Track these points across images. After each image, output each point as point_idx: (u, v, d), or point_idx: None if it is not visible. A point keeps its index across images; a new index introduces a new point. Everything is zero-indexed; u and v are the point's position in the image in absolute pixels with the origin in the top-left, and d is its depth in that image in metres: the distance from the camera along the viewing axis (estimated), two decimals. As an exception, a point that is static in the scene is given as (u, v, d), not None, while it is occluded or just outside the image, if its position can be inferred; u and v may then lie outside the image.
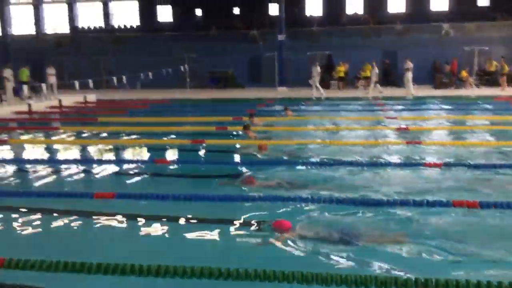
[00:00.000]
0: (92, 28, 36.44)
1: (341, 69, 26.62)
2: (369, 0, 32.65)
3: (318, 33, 30.65)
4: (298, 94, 23.96)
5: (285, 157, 8.99)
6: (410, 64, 22.37)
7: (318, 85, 22.89)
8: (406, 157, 8.96)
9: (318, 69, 23.44)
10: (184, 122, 14.94)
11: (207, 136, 11.55)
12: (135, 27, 35.76)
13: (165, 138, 11.81)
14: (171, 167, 8.78)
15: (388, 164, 8.36)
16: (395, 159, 8.91)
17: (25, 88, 21.67)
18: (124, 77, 23.84)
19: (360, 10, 33.17)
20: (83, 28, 36.63)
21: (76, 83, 19.12)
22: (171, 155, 10.09)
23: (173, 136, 12.03)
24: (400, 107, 17.81)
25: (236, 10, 34.05)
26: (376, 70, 23.14)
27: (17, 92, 21.63)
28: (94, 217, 5.93)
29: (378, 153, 9.46)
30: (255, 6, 32.85)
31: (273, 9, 31.87)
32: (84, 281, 4.11)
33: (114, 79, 23.59)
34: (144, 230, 5.54)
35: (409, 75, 22.24)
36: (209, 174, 8.06)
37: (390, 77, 27.35)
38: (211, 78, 29.98)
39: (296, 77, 26.49)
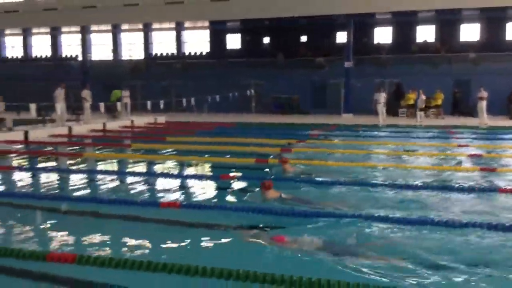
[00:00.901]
0: (165, 54, 38.17)
1: (411, 97, 25.92)
2: (441, 28, 31.79)
3: (387, 60, 30.23)
4: (364, 121, 23.59)
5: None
6: (484, 93, 21.46)
7: (381, 110, 22.83)
8: (479, 183, 8.47)
9: (384, 95, 23.25)
10: (248, 143, 15.11)
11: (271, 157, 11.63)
12: (204, 53, 37.03)
13: (229, 157, 12.01)
14: (234, 182, 8.85)
15: (460, 189, 7.94)
16: (467, 183, 8.45)
17: (119, 105, 23.38)
18: (192, 100, 24.65)
19: (431, 38, 32.37)
20: (156, 54, 38.46)
21: (148, 104, 19.96)
22: (236, 172, 10.19)
23: (238, 155, 12.22)
24: (473, 136, 17.02)
25: (304, 38, 34.36)
26: (423, 97, 23.06)
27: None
28: (160, 224, 6.07)
29: (448, 177, 9.04)
30: (322, 34, 33.01)
31: (341, 37, 31.86)
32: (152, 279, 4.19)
33: (183, 102, 24.47)
34: (205, 238, 5.57)
35: (483, 104, 21.31)
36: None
37: (460, 106, 26.34)
38: (276, 104, 30.27)
39: (361, 104, 26.12)
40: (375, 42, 33.32)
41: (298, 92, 30.04)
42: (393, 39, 32.83)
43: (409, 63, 29.01)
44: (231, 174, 9.27)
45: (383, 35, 33.36)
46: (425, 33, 32.48)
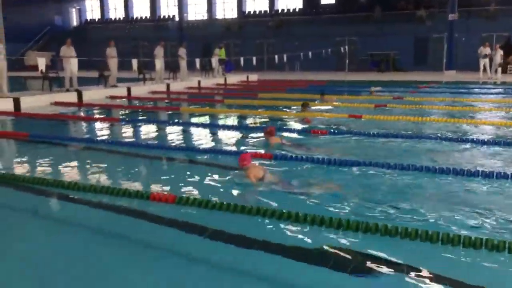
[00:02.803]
0: (258, 12, 38.05)
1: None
2: None
3: (496, 12, 27.54)
4: (468, 77, 21.93)
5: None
6: None
7: (488, 67, 21.00)
8: None
9: (491, 50, 21.38)
10: (342, 100, 14.81)
11: (366, 112, 11.35)
12: (298, 10, 36.33)
13: (323, 112, 11.85)
14: (325, 137, 8.72)
15: None
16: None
17: (213, 62, 24.07)
18: (284, 58, 24.47)
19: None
20: (249, 12, 38.47)
21: (241, 60, 20.15)
22: (327, 127, 10.04)
23: (331, 111, 12.04)
24: None
25: (403, -10, 32.31)
26: (501, 52, 20.82)
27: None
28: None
29: None
30: (423, -15, 30.80)
31: (444, -13, 29.45)
32: (245, 222, 4.29)
33: (276, 59, 24.38)
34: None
35: None
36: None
37: None
38: (372, 61, 29.11)
39: (466, 60, 24.23)
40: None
41: (397, 49, 28.59)
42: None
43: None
44: (322, 129, 9.14)
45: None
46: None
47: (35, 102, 13.47)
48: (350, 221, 3.97)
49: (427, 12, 29.02)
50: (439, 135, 8.40)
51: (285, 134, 8.84)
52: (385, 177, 5.74)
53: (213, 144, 8.28)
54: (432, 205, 4.67)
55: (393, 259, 3.47)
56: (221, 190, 5.36)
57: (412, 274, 3.25)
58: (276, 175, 5.55)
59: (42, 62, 14.85)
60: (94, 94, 16.01)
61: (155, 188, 5.40)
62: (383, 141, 8.14)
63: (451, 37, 25.82)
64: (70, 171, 6.50)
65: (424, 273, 3.26)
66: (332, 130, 9.02)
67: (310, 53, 24.94)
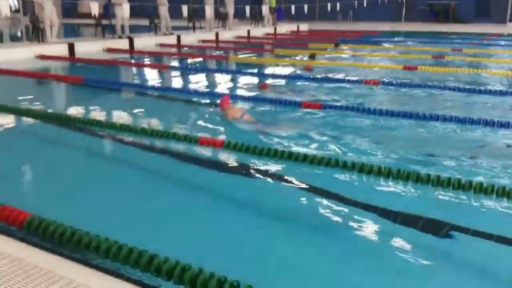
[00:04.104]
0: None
1: None
2: None
3: None
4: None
5: None
6: None
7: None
8: None
9: None
10: (396, 50, 14.26)
11: (422, 64, 10.91)
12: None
13: (376, 63, 11.49)
14: (377, 88, 8.45)
15: None
16: None
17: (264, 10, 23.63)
18: (338, 5, 23.60)
19: None
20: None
21: (292, 9, 19.60)
22: (381, 78, 9.73)
23: (385, 62, 11.65)
24: None
25: None
26: None
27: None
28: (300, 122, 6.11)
29: None
30: None
31: None
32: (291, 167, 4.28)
33: (328, 8, 23.56)
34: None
35: None
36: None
37: None
38: (430, 11, 27.59)
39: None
40: None
41: (457, -2, 26.89)
42: None
43: None
44: (373, 79, 8.85)
45: None
46: None
47: (89, 48, 13.75)
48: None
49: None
50: (498, 89, 7.97)
51: (339, 84, 8.68)
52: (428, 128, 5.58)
53: (259, 93, 8.21)
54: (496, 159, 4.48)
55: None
56: (270, 136, 5.35)
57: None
58: (254, 117, 5.86)
59: (95, 8, 15.03)
60: (145, 42, 16.15)
61: (203, 132, 5.45)
62: (437, 93, 7.82)
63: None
64: (121, 114, 6.65)
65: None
66: (385, 81, 8.72)
67: (364, 2, 23.91)
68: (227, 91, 8.25)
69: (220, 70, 11.09)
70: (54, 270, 2.22)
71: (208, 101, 7.39)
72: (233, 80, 9.91)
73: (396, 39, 18.98)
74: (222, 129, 5.71)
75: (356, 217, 3.30)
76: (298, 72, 10.22)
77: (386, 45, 16.40)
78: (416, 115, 5.99)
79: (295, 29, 24.99)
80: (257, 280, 2.22)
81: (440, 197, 3.61)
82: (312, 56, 11.96)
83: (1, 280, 2.13)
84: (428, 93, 7.87)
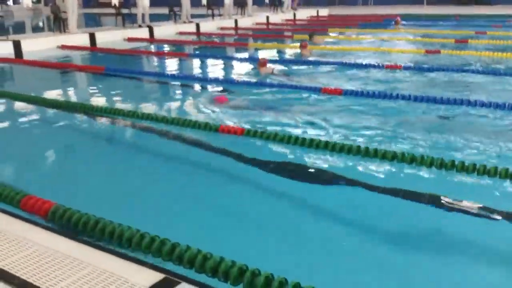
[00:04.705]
0: None
1: None
2: None
3: None
4: None
5: None
6: None
7: None
8: None
9: None
10: (418, 34, 13.99)
11: (445, 47, 10.69)
12: None
13: (397, 47, 11.28)
14: (400, 72, 8.32)
15: None
16: None
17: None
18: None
19: None
20: None
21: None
22: (402, 62, 9.57)
23: (406, 46, 11.44)
24: None
25: None
26: None
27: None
28: (320, 106, 6.07)
29: None
30: None
31: None
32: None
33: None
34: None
35: None
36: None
37: None
38: (453, -7, 26.93)
39: None
40: None
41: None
42: None
43: None
44: (396, 64, 8.71)
45: None
46: None
47: (109, 37, 13.85)
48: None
49: None
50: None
51: (355, 71, 8.57)
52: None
53: (280, 79, 8.16)
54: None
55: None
56: (290, 122, 5.33)
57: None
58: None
59: (115, -2, 15.12)
60: (164, 30, 16.18)
61: (223, 120, 5.45)
62: (460, 76, 7.66)
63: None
64: (142, 103, 6.69)
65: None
66: (407, 65, 8.57)
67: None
68: (245, 78, 8.22)
69: (239, 58, 11.05)
70: (80, 258, 2.26)
71: (228, 89, 7.39)
72: (252, 68, 9.88)
73: (418, 22, 18.61)
74: (241, 116, 5.71)
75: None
76: (316, 58, 10.10)
77: (408, 28, 16.10)
78: (441, 99, 5.90)
79: (315, 14, 24.72)
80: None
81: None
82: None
83: (29, 268, 2.18)
84: (451, 77, 7.72)
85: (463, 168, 3.66)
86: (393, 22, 17.18)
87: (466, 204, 3.18)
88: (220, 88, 7.41)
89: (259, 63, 8.61)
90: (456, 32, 14.06)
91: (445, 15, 21.05)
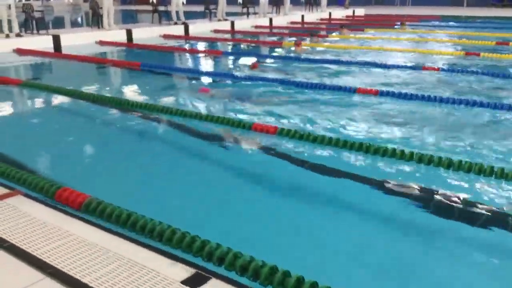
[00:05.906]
0: None
1: None
2: None
3: None
4: None
5: None
6: None
7: None
8: None
9: None
10: (457, 36, 13.64)
11: (484, 50, 10.37)
12: None
13: (435, 49, 11.03)
14: (438, 74, 8.11)
15: None
16: None
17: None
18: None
19: None
20: None
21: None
22: (439, 63, 9.33)
23: (444, 48, 11.16)
24: None
25: None
26: None
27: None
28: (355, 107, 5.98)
29: None
30: None
31: None
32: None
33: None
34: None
35: None
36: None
37: None
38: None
39: None
40: None
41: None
42: None
43: None
44: (431, 66, 8.52)
45: None
46: None
47: (146, 34, 14.05)
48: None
49: None
50: None
51: (394, 71, 8.41)
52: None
53: (316, 78, 8.08)
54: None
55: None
56: (320, 121, 5.27)
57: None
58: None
59: (152, -5, 15.32)
60: (199, 28, 16.30)
61: (257, 119, 5.43)
62: (501, 81, 7.41)
63: None
64: (176, 99, 6.75)
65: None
66: (445, 68, 8.35)
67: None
68: (279, 76, 8.18)
69: (274, 56, 11.02)
70: (113, 249, 2.29)
71: (260, 86, 7.36)
72: (287, 66, 9.82)
73: (457, 24, 18.15)
74: (274, 113, 5.68)
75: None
76: (349, 58, 9.96)
77: (447, 30, 15.73)
78: (480, 103, 5.72)
79: (351, 14, 24.42)
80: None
81: None
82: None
83: (63, 257, 2.22)
84: (492, 81, 7.47)
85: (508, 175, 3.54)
86: (399, 23, 17.64)
87: None
88: (256, 85, 7.41)
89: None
90: (497, 35, 13.65)
91: (485, 17, 20.45)
